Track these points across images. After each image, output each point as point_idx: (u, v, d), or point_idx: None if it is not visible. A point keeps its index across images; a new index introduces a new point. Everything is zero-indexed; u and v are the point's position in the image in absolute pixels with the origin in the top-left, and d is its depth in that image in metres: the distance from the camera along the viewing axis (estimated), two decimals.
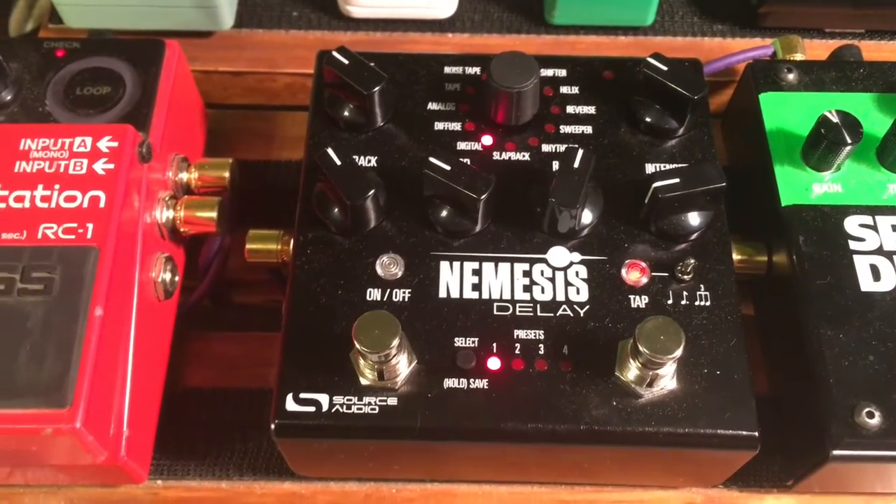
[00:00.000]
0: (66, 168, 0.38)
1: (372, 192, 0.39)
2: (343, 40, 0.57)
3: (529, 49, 0.56)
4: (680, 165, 0.42)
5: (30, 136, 0.39)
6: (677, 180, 0.39)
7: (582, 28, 0.56)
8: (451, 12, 0.56)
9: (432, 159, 0.39)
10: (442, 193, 0.40)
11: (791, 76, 0.46)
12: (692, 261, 0.39)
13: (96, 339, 0.35)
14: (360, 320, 0.35)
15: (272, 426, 0.36)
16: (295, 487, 0.43)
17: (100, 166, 0.38)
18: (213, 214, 0.43)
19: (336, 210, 0.40)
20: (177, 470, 0.42)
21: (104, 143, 0.39)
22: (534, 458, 0.39)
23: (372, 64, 0.43)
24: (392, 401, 0.36)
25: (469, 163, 0.42)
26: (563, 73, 0.46)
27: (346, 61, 0.42)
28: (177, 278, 0.43)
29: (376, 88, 0.42)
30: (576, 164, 0.39)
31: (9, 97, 0.43)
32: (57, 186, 0.38)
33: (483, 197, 0.39)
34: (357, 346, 0.35)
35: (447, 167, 0.39)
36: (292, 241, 0.41)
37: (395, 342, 0.35)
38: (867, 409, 0.37)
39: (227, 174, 0.45)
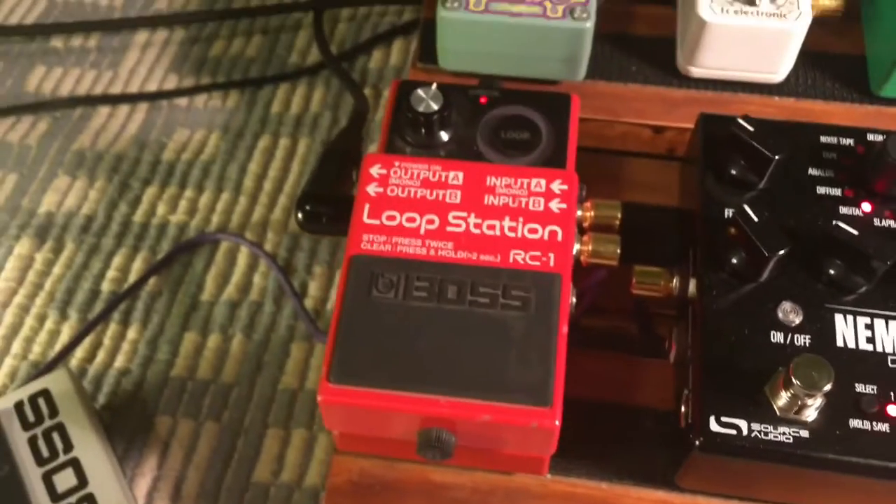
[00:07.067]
0: (526, 204, 0.46)
1: (788, 247, 0.44)
2: (676, 96, 0.63)
3: (851, 117, 0.61)
4: None
5: (494, 174, 0.47)
6: None
7: None
8: (783, 77, 0.61)
9: (840, 224, 0.44)
10: (846, 255, 0.45)
11: None
12: None
13: (562, 352, 0.42)
14: (799, 360, 0.40)
15: (696, 442, 0.42)
16: (668, 497, 0.48)
17: (555, 205, 0.45)
18: (618, 250, 0.49)
19: (739, 259, 0.46)
20: (565, 467, 0.49)
21: (556, 186, 0.46)
22: None
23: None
24: (804, 433, 0.42)
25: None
26: None
27: (751, 128, 0.48)
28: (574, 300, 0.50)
29: (780, 155, 0.47)
30: None
31: (446, 137, 0.51)
32: (521, 219, 0.45)
33: (889, 263, 0.44)
34: (794, 381, 0.40)
35: (855, 232, 0.44)
36: (694, 282, 0.47)
37: (828, 387, 0.40)
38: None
39: (618, 213, 0.51)
